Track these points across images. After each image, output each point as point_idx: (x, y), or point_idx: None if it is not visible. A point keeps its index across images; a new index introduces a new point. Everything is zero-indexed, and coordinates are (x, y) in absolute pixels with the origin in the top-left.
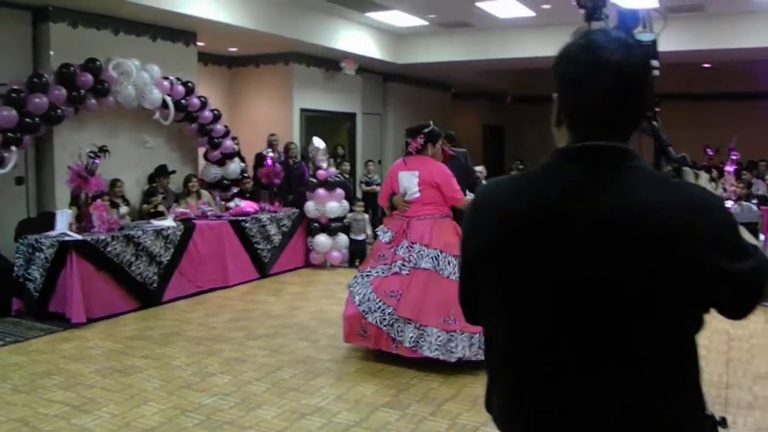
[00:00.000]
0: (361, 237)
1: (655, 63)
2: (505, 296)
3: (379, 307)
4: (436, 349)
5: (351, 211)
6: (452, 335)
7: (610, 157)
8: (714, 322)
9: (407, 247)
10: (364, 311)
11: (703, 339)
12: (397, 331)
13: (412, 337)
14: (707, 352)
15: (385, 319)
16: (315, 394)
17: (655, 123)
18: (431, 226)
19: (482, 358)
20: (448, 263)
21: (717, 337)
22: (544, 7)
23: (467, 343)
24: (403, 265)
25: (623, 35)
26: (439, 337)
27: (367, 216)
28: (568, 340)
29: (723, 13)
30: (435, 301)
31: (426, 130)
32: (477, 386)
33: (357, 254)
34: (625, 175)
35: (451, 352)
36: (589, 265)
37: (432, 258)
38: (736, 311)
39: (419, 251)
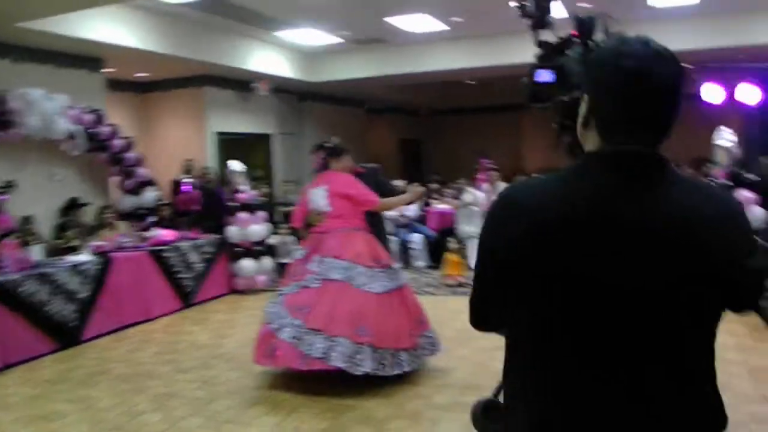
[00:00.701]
0: (288, 260)
1: None
2: (548, 305)
3: (289, 322)
4: (343, 360)
5: (275, 233)
6: (360, 348)
7: (645, 164)
8: None
9: (318, 262)
10: (275, 329)
11: None
12: (307, 345)
13: (320, 348)
14: None
15: (294, 334)
16: (252, 425)
17: None
18: (341, 238)
19: (386, 373)
20: (360, 273)
21: None
22: (456, 20)
23: (374, 358)
24: (315, 279)
25: (659, 46)
26: (347, 348)
27: (292, 238)
28: (616, 348)
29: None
30: (345, 311)
31: (325, 146)
32: (415, 402)
33: None
34: (661, 182)
35: (357, 365)
36: (636, 275)
37: (343, 269)
38: (741, 307)
39: (329, 263)
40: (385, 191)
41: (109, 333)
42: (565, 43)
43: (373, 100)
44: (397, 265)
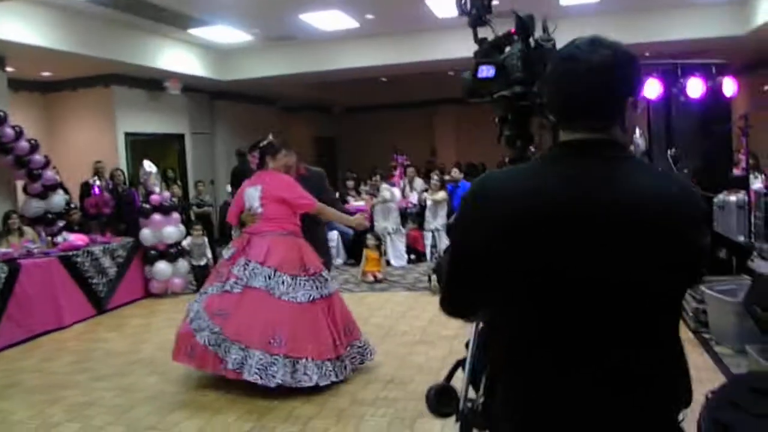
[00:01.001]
0: (203, 262)
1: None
2: (526, 291)
3: (207, 326)
4: (256, 373)
5: (189, 235)
6: (275, 359)
7: (599, 150)
8: None
9: (243, 265)
10: (194, 329)
11: None
12: (224, 351)
13: (236, 359)
14: None
15: (212, 338)
16: (174, 430)
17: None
18: (269, 243)
19: (305, 385)
20: (282, 282)
21: None
22: (368, 17)
23: (289, 369)
24: (236, 283)
25: (600, 38)
26: (260, 359)
27: (206, 239)
28: (592, 332)
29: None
30: (261, 321)
31: (261, 144)
32: (340, 399)
33: (203, 279)
34: (618, 167)
35: (272, 376)
36: (608, 263)
37: (265, 277)
38: (695, 284)
39: (253, 269)
40: (326, 199)
41: (19, 343)
42: (503, 40)
43: (287, 99)
44: (327, 273)
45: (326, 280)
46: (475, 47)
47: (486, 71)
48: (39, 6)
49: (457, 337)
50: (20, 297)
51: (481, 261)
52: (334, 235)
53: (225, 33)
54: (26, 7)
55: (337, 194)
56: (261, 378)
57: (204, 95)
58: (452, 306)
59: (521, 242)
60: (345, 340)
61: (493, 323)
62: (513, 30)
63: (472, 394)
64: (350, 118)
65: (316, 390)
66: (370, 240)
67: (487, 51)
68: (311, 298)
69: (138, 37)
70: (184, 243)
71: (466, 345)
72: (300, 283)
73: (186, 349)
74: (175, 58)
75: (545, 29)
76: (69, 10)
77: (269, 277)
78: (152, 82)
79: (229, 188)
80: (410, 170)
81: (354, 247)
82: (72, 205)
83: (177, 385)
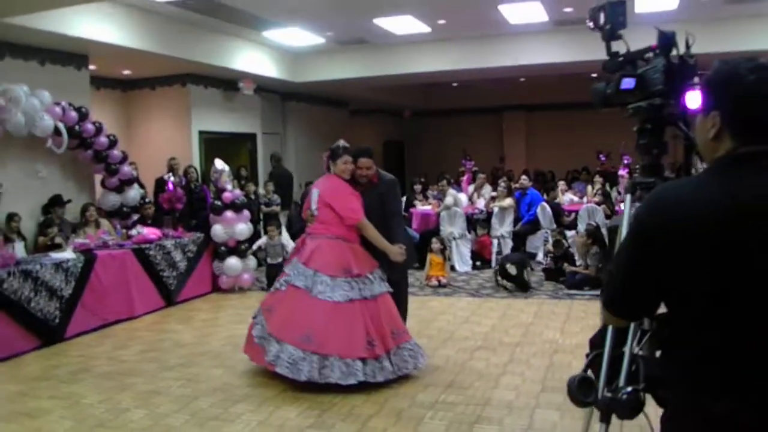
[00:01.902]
0: (278, 260)
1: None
2: (710, 295)
3: (260, 320)
4: (286, 366)
5: (266, 234)
6: (305, 355)
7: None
8: None
9: (293, 265)
10: (255, 323)
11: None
12: (267, 344)
13: (272, 352)
14: None
15: (261, 331)
16: (236, 422)
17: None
18: (317, 245)
19: (330, 381)
20: (321, 283)
21: None
22: (440, 23)
23: (317, 365)
24: (284, 281)
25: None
26: (292, 354)
27: (283, 237)
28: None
29: None
30: (298, 318)
31: (331, 147)
32: (399, 400)
33: (275, 277)
34: None
35: (299, 370)
36: None
37: (305, 277)
38: None
39: (298, 269)
40: (387, 211)
41: (92, 330)
42: (636, 54)
43: (357, 101)
44: (375, 275)
45: (371, 282)
46: (546, 54)
47: (628, 83)
48: (121, 7)
49: (518, 344)
50: (95, 286)
51: (660, 267)
52: None
53: (298, 35)
54: (109, 8)
55: (405, 198)
56: (291, 372)
57: (276, 96)
58: (625, 308)
59: (705, 249)
60: (389, 342)
61: (669, 325)
62: (654, 45)
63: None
64: (420, 123)
65: (375, 389)
66: (435, 244)
67: (620, 64)
68: (349, 298)
69: (214, 38)
70: (260, 242)
71: (591, 343)
72: (339, 284)
73: (250, 341)
74: (250, 59)
75: (688, 46)
76: (150, 11)
77: (310, 278)
78: (227, 82)
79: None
80: (480, 176)
81: (419, 251)
82: (146, 200)
83: (241, 379)
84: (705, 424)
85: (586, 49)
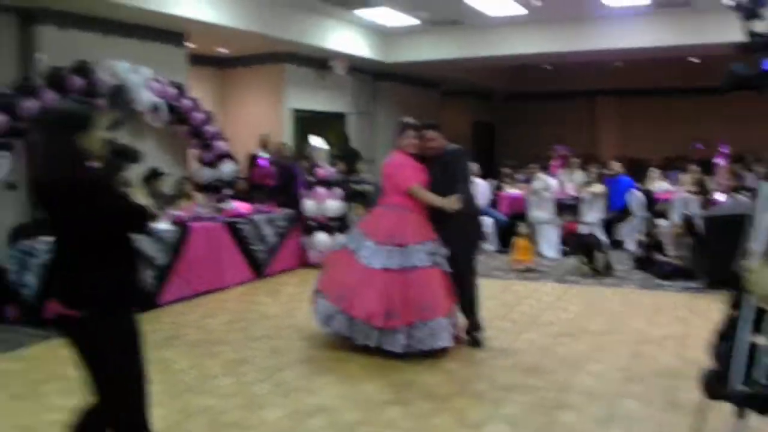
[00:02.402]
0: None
1: None
2: None
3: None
4: (320, 319)
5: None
6: (336, 311)
7: None
8: None
9: (353, 229)
10: None
11: None
12: (316, 298)
13: (317, 305)
14: None
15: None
16: (319, 393)
17: None
18: (374, 212)
19: (355, 340)
20: (365, 247)
21: None
22: (536, 3)
23: (345, 323)
24: (341, 243)
25: None
26: (327, 308)
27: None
28: None
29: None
30: (339, 277)
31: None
32: (480, 382)
33: None
34: None
35: (330, 324)
36: None
37: (356, 240)
38: None
39: (353, 232)
40: (455, 179)
41: (184, 299)
42: None
43: (449, 83)
44: (423, 247)
45: (415, 253)
46: (645, 38)
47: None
48: None
49: (604, 332)
50: (188, 257)
51: None
52: (488, 222)
53: (391, 15)
54: None
55: (496, 182)
56: (323, 325)
57: (367, 76)
58: None
59: None
60: (410, 315)
61: None
62: None
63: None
64: (511, 105)
65: (456, 369)
66: (522, 228)
67: (763, 44)
68: (384, 266)
69: (308, 17)
70: (346, 215)
71: (721, 336)
72: (380, 251)
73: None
74: (343, 39)
75: None
76: None
77: (358, 241)
78: (320, 62)
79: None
80: (573, 161)
81: (506, 235)
82: (239, 175)
83: (325, 352)
84: None
85: (686, 33)
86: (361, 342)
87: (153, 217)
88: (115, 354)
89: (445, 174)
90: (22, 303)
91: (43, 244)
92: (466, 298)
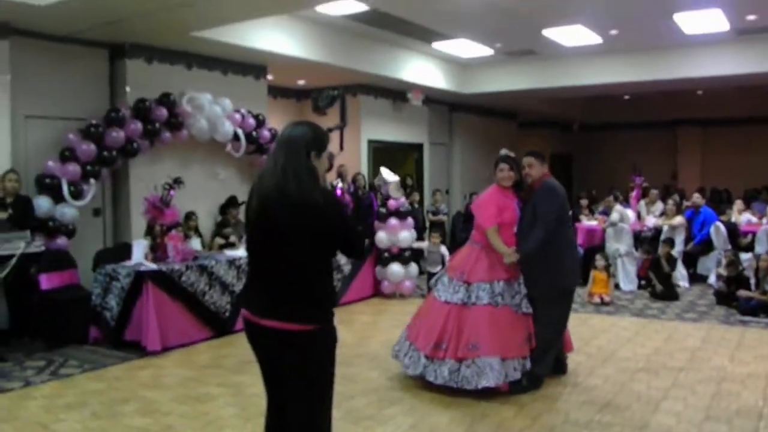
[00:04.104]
0: (437, 269)
1: None
2: None
3: None
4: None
5: (425, 240)
6: (405, 343)
7: None
8: None
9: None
10: None
11: None
12: None
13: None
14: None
15: None
16: (389, 423)
17: None
18: (460, 249)
19: (414, 374)
20: (441, 282)
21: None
22: (612, 33)
23: (414, 358)
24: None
25: None
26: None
27: (443, 247)
28: None
29: None
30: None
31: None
32: (552, 416)
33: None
34: None
35: (401, 360)
36: None
37: (439, 275)
38: None
39: (441, 275)
40: (533, 217)
41: None
42: None
43: (525, 113)
44: (489, 287)
45: (478, 291)
46: (726, 65)
47: None
48: (299, 20)
49: (683, 369)
50: None
51: None
52: None
53: (467, 47)
54: (288, 22)
55: (571, 212)
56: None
57: (443, 107)
58: None
59: None
60: (459, 351)
61: None
62: None
63: None
64: (589, 136)
65: (528, 403)
66: (599, 261)
67: None
68: (445, 300)
69: (385, 49)
70: (422, 245)
71: None
72: (451, 285)
73: None
74: (418, 70)
75: None
76: (324, 24)
77: (440, 278)
78: (396, 93)
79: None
80: (653, 192)
81: (583, 267)
82: None
83: (396, 382)
84: None
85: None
86: (411, 372)
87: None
88: (332, 363)
89: (534, 211)
90: (104, 325)
91: (124, 268)
92: (538, 337)
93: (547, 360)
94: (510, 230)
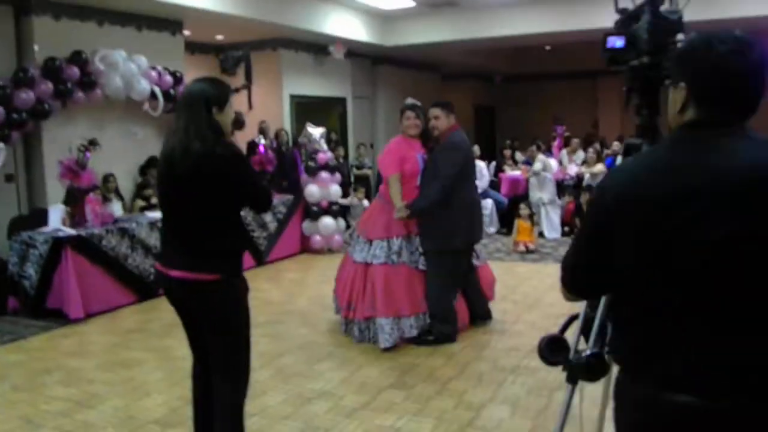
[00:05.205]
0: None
1: (679, 36)
2: (671, 262)
3: None
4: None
5: (348, 196)
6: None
7: (731, 129)
8: None
9: None
10: None
11: None
12: None
13: None
14: None
15: None
16: (319, 379)
17: None
18: (369, 207)
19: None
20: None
21: None
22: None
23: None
24: None
25: (743, 35)
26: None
27: (366, 201)
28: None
29: None
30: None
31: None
32: (481, 363)
33: None
34: (742, 142)
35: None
36: (715, 226)
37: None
38: None
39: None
40: (432, 172)
41: None
42: (639, 11)
43: (448, 66)
44: (381, 244)
45: (377, 249)
46: None
47: (614, 42)
48: None
49: None
50: None
51: (611, 243)
52: (488, 203)
53: None
54: None
55: (494, 163)
56: None
57: (366, 60)
58: (577, 283)
59: (651, 230)
60: (364, 312)
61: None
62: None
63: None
64: (511, 87)
65: (457, 352)
66: (523, 210)
67: (625, 21)
68: (354, 259)
69: (305, 1)
70: (347, 201)
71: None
72: (358, 244)
73: None
74: (340, 22)
75: (671, 1)
76: None
77: (353, 232)
78: (318, 47)
79: None
80: (574, 141)
81: (507, 216)
82: None
83: (326, 338)
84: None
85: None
86: (341, 329)
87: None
88: (242, 312)
89: (435, 166)
90: (23, 295)
91: (41, 235)
92: (427, 293)
93: (444, 314)
94: (413, 182)
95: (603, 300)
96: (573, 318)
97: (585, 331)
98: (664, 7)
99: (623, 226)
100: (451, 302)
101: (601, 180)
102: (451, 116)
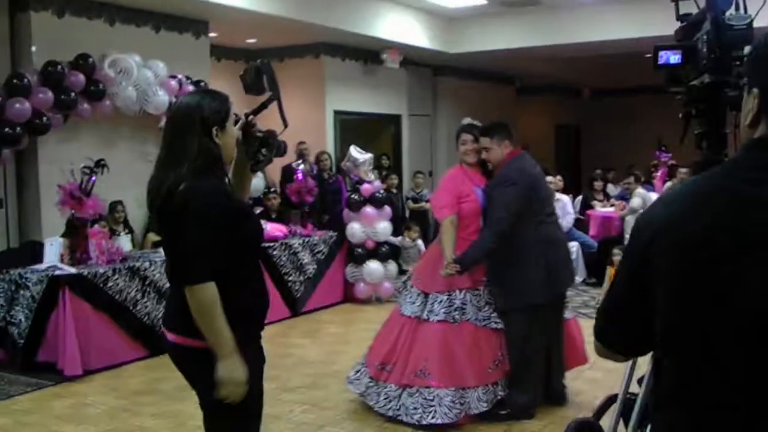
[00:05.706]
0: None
1: (747, 49)
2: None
3: None
4: None
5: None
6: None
7: None
8: None
9: None
10: None
11: None
12: None
13: None
14: None
15: None
16: None
17: None
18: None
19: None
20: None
21: None
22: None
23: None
24: None
25: None
26: None
27: (421, 243)
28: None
29: None
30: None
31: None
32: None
33: None
34: None
35: None
36: None
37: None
38: None
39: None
40: (489, 210)
41: None
42: (702, 16)
43: (526, 77)
44: (443, 297)
45: (435, 304)
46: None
47: (668, 57)
48: None
49: None
50: None
51: (648, 294)
52: (573, 247)
53: None
54: None
55: (581, 197)
56: None
57: (426, 70)
58: (612, 338)
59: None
60: (402, 377)
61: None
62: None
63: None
64: (602, 104)
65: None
66: (617, 256)
67: (688, 30)
68: (402, 311)
69: (354, 0)
70: (395, 240)
71: (639, 381)
72: (410, 294)
73: None
74: (395, 25)
75: (738, 6)
76: None
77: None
78: (368, 54)
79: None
80: (681, 171)
81: (597, 263)
82: (271, 190)
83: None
84: None
85: None
86: (354, 389)
87: None
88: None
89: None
90: (10, 345)
91: (34, 273)
92: (510, 358)
93: (527, 385)
94: (473, 224)
95: (646, 378)
96: (611, 399)
97: (624, 414)
98: (731, 12)
99: (664, 266)
100: (541, 368)
101: (635, 222)
102: (505, 142)
